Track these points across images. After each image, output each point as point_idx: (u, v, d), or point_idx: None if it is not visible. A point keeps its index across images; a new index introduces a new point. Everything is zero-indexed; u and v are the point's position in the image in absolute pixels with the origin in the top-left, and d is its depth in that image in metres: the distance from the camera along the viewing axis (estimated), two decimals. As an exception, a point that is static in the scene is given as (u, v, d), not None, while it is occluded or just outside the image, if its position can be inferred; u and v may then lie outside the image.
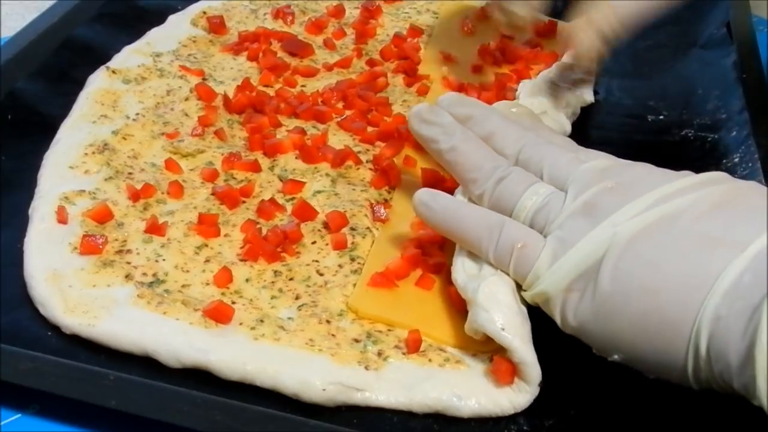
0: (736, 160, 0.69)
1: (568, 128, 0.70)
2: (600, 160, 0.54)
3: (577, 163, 0.54)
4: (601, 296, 0.47)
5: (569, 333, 0.50)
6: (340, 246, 0.59)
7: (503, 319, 0.49)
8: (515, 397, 0.50)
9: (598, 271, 0.47)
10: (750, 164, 0.67)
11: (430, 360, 0.52)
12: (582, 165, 0.53)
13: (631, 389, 0.49)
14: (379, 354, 0.52)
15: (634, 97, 0.80)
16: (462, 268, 0.53)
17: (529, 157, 0.56)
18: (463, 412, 0.49)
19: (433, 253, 0.58)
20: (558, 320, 0.50)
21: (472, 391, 0.50)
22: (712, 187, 0.48)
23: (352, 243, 0.60)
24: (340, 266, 0.58)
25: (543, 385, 0.50)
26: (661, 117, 0.77)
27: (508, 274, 0.52)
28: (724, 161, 0.69)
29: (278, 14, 0.86)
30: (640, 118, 0.77)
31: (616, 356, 0.48)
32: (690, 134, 0.74)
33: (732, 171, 0.67)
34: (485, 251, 0.52)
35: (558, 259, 0.49)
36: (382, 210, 0.62)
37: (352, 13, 0.87)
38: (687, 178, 0.50)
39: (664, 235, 0.46)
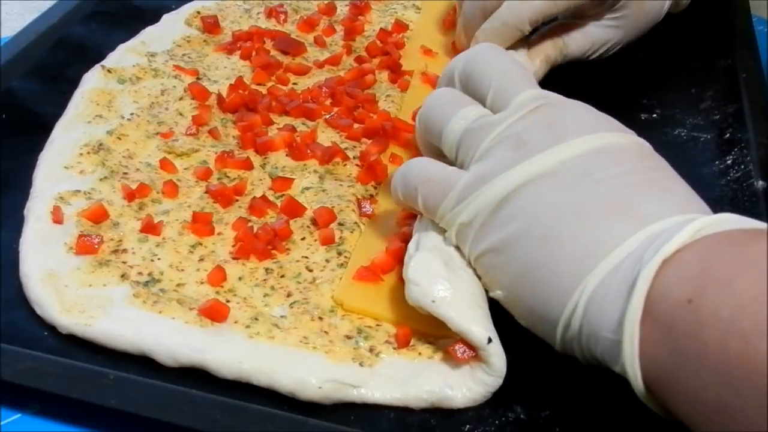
0: (729, 161, 0.69)
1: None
2: (546, 91, 0.54)
3: (524, 86, 0.54)
4: (504, 235, 0.48)
5: (473, 267, 0.51)
6: (327, 241, 0.60)
7: (434, 291, 0.50)
8: (490, 368, 0.50)
9: (506, 208, 0.48)
10: (743, 166, 0.67)
11: (419, 353, 0.52)
12: (525, 92, 0.53)
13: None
14: (371, 350, 0.52)
15: (627, 94, 0.80)
16: (407, 253, 0.54)
17: (474, 74, 0.56)
18: (458, 402, 0.50)
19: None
20: (465, 252, 0.51)
21: (461, 378, 0.50)
22: (636, 151, 0.49)
23: (340, 238, 0.60)
24: (327, 261, 0.58)
25: (540, 376, 0.51)
26: (654, 115, 0.77)
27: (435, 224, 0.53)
28: (717, 162, 0.70)
29: (271, 13, 0.86)
30: (633, 115, 0.77)
31: (498, 292, 0.50)
32: (683, 133, 0.74)
33: (725, 173, 0.68)
34: (395, 194, 0.55)
35: (471, 194, 0.50)
36: (368, 205, 0.62)
37: (343, 10, 0.88)
38: (620, 134, 0.50)
39: (578, 190, 0.47)
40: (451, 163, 0.55)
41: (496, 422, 0.50)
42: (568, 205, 0.47)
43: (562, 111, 0.52)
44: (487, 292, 0.51)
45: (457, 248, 0.53)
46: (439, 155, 0.56)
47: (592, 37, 0.73)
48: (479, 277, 0.52)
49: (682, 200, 0.47)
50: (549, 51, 0.73)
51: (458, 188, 0.51)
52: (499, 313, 0.51)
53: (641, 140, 0.51)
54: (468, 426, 0.49)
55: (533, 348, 0.50)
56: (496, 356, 0.49)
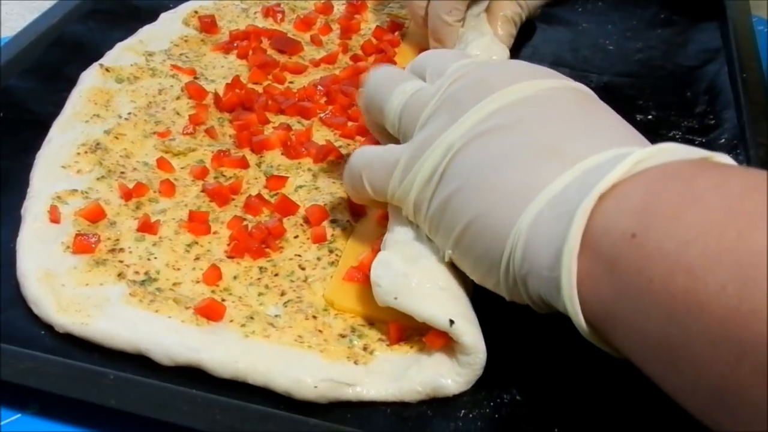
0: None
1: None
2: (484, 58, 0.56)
3: (459, 58, 0.54)
4: (446, 194, 0.48)
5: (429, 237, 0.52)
6: (319, 239, 0.60)
7: (395, 288, 0.50)
8: (465, 348, 0.50)
9: (449, 170, 0.49)
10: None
11: (411, 347, 0.53)
12: (459, 61, 0.54)
13: (627, 367, 0.49)
14: (365, 348, 0.53)
15: (623, 95, 0.80)
16: None
17: (420, 61, 0.57)
18: (451, 388, 0.50)
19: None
20: (422, 223, 0.52)
21: (450, 365, 0.51)
22: (568, 95, 0.49)
23: (332, 235, 0.61)
24: (318, 259, 0.59)
25: (534, 357, 0.51)
26: (650, 117, 0.77)
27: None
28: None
29: (268, 12, 0.86)
30: (629, 116, 0.76)
31: (449, 251, 0.50)
32: (678, 136, 0.74)
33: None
34: (347, 189, 0.57)
35: (415, 164, 0.50)
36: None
37: (340, 9, 0.88)
38: (554, 80, 0.50)
39: (510, 139, 0.47)
40: (397, 141, 0.55)
41: (491, 404, 0.50)
42: (499, 155, 0.47)
43: (492, 67, 0.52)
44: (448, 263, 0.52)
45: (418, 228, 0.53)
46: (386, 132, 0.57)
47: None
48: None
49: (618, 136, 0.46)
50: (509, 9, 0.75)
51: (402, 162, 0.51)
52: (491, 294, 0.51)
53: (579, 85, 0.51)
54: (463, 411, 0.50)
55: (527, 327, 0.51)
56: (466, 335, 0.49)
